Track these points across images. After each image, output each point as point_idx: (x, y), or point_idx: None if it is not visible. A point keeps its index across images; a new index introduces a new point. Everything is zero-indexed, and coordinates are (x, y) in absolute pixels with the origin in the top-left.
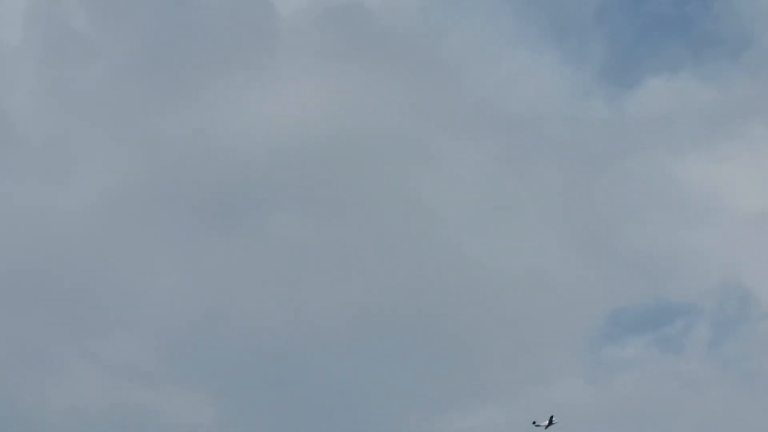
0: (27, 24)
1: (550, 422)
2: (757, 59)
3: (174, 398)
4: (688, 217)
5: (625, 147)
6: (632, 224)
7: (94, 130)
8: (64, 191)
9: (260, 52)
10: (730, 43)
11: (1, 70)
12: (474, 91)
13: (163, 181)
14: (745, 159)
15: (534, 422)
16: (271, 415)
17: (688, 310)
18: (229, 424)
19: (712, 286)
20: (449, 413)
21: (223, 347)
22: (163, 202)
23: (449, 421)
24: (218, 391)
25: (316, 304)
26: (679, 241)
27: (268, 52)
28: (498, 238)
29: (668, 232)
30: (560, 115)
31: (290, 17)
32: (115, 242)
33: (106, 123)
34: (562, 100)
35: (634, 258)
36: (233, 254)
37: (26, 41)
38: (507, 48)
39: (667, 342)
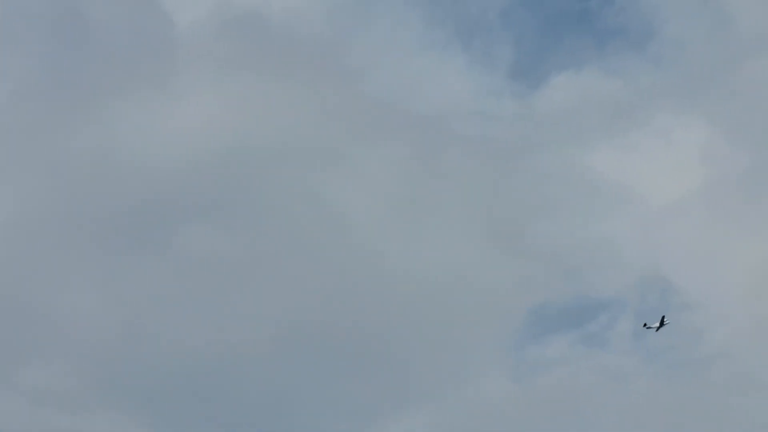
0: None
1: (662, 323)
2: (661, 49)
3: (99, 421)
4: (602, 209)
5: (536, 142)
6: (547, 219)
7: None
8: None
9: (160, 65)
10: (633, 35)
11: None
12: (381, 94)
13: (71, 202)
14: (654, 148)
15: (645, 324)
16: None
17: (609, 304)
18: None
19: (631, 278)
20: (376, 420)
21: (145, 366)
22: (72, 222)
23: (377, 427)
24: (143, 410)
25: (234, 317)
26: (595, 233)
27: (167, 65)
28: (413, 240)
29: (583, 225)
30: (469, 113)
31: (188, 29)
32: (25, 265)
33: (8, 146)
34: (471, 99)
35: (551, 253)
36: (147, 271)
37: None
38: (414, 52)
39: (591, 337)
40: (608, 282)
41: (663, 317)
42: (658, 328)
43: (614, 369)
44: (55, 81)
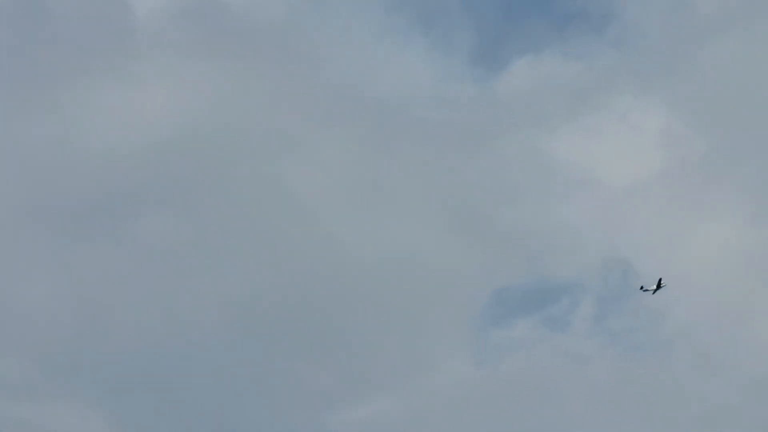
0: None
1: (659, 286)
2: (621, 33)
3: (60, 411)
4: (562, 193)
5: (497, 127)
6: (507, 203)
7: None
8: None
9: (119, 53)
10: (593, 18)
11: None
12: (341, 80)
13: (28, 189)
14: (614, 131)
15: (642, 287)
16: (159, 419)
17: (571, 287)
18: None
19: (593, 261)
20: (338, 405)
21: (104, 354)
22: (28, 210)
23: (338, 413)
24: (104, 399)
25: (193, 304)
26: (556, 217)
27: (126, 52)
28: (374, 225)
29: (544, 208)
30: (430, 99)
31: (147, 16)
32: None
33: None
34: (432, 85)
35: (512, 237)
36: (106, 259)
37: None
38: (374, 39)
39: (553, 320)
40: (570, 265)
41: (660, 279)
42: (655, 291)
43: (577, 351)
44: (13, 68)
